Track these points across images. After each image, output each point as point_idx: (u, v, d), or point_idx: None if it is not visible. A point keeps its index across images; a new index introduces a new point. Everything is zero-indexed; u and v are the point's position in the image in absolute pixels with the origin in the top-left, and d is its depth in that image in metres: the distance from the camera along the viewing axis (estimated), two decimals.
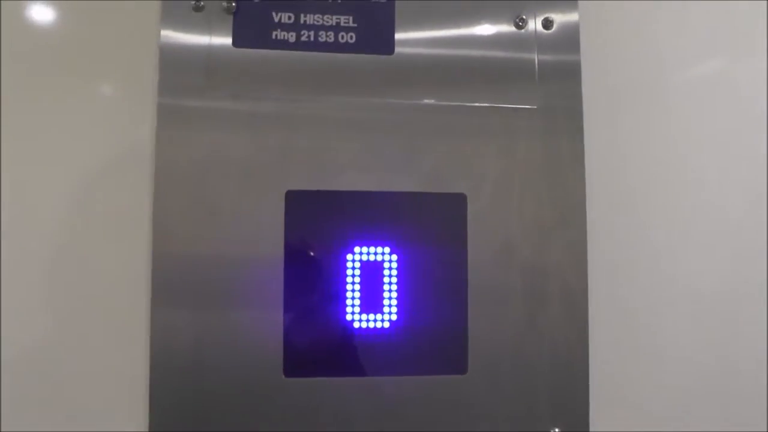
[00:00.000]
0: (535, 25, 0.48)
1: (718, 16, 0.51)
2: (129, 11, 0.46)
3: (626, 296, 0.48)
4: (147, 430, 0.42)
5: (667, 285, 0.49)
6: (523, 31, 0.48)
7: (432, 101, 0.47)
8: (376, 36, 0.47)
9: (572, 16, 0.49)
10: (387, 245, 0.45)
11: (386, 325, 0.44)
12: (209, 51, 0.45)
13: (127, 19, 0.46)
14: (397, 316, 0.44)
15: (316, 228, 0.45)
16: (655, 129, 0.50)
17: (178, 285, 0.43)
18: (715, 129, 0.51)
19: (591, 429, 0.46)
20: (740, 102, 0.51)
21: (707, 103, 0.51)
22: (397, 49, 0.47)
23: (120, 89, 0.46)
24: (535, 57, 0.48)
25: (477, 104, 0.47)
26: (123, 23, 0.46)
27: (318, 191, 0.45)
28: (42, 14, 0.46)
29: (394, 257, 0.45)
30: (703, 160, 0.50)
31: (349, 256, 0.45)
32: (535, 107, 0.47)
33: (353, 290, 0.44)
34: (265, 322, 0.43)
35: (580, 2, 0.49)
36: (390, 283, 0.45)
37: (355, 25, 0.47)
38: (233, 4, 0.46)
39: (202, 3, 0.46)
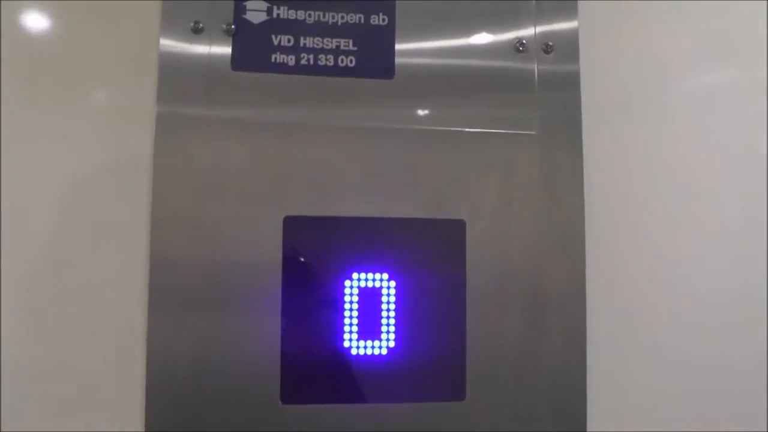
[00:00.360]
0: (535, 49, 0.48)
1: (720, 23, 0.52)
2: (128, 31, 0.46)
3: (627, 322, 0.48)
4: None
5: (669, 307, 0.49)
6: (523, 55, 0.48)
7: (432, 126, 0.47)
8: (376, 60, 0.47)
9: (572, 40, 0.49)
10: (385, 272, 0.45)
11: (384, 351, 0.44)
12: (208, 73, 0.45)
13: (126, 39, 0.46)
14: (396, 343, 0.44)
15: (315, 254, 0.45)
16: (655, 145, 0.50)
17: (175, 307, 0.43)
18: (716, 140, 0.51)
19: None
20: (742, 109, 0.51)
21: (708, 118, 0.51)
22: (397, 74, 0.47)
23: (119, 108, 0.45)
24: (535, 82, 0.48)
25: (477, 130, 0.47)
26: (122, 41, 0.46)
27: (316, 217, 0.45)
28: (41, 22, 0.45)
29: (393, 284, 0.45)
30: (706, 174, 0.50)
31: (348, 283, 0.44)
32: (534, 133, 0.47)
33: (351, 317, 0.44)
34: (262, 348, 0.43)
35: (580, 27, 0.49)
36: (388, 310, 0.45)
37: (355, 48, 0.47)
38: (232, 26, 0.46)
39: (201, 25, 0.45)
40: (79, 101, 0.45)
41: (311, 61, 0.46)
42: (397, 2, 0.48)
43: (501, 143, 0.47)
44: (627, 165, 0.50)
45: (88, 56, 0.45)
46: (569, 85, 0.49)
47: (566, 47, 0.49)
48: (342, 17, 0.47)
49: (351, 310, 0.44)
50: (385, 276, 0.45)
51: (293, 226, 0.44)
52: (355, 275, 0.45)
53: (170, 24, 0.45)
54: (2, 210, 0.43)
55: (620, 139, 0.50)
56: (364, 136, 0.46)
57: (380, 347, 0.44)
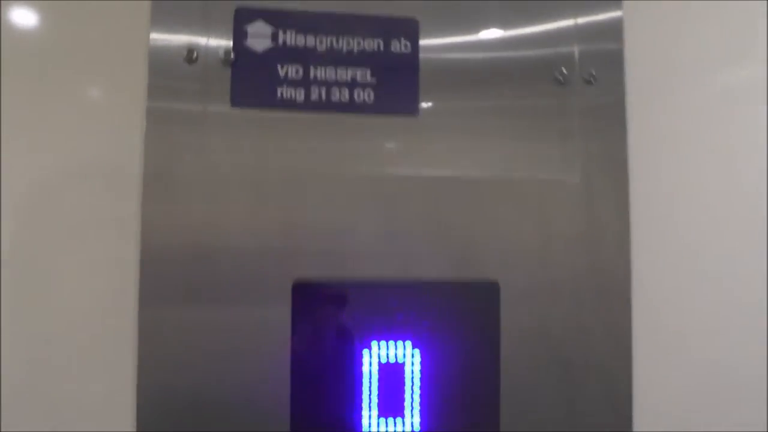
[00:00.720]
0: (576, 79, 0.42)
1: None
2: (112, 58, 0.40)
3: (676, 391, 0.43)
4: None
5: (722, 370, 0.44)
6: (563, 88, 0.42)
7: (461, 173, 0.41)
8: (398, 93, 0.41)
9: (617, 67, 0.43)
10: (409, 341, 0.39)
11: None
12: (204, 110, 0.39)
13: (110, 68, 0.40)
14: (422, 425, 0.39)
15: (328, 322, 0.39)
16: (708, 191, 0.45)
17: (164, 373, 0.37)
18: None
19: None
20: None
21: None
22: (423, 110, 0.41)
23: (105, 169, 0.39)
24: (576, 119, 0.42)
25: (512, 176, 0.41)
26: (105, 71, 0.40)
27: (329, 282, 0.39)
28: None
29: (418, 355, 0.39)
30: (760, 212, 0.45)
31: (366, 354, 0.39)
32: (577, 180, 0.42)
33: (370, 394, 0.39)
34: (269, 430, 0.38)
35: (626, 53, 0.43)
36: (413, 386, 0.39)
37: (374, 80, 0.41)
38: (232, 55, 0.39)
39: (195, 54, 0.39)
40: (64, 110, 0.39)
41: (323, 96, 0.40)
42: (421, 25, 0.41)
43: (539, 191, 0.41)
44: (676, 212, 0.44)
45: (70, 89, 0.39)
46: (614, 123, 0.43)
47: (611, 76, 0.43)
48: (358, 44, 0.41)
49: (370, 386, 0.39)
50: (409, 346, 0.39)
51: (303, 291, 0.38)
52: (374, 345, 0.39)
53: (160, 52, 0.39)
54: None
55: (670, 183, 0.44)
56: (384, 185, 0.40)
57: (404, 428, 0.39)
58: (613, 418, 0.41)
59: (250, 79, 0.40)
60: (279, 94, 0.40)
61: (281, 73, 0.40)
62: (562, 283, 0.41)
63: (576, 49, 0.43)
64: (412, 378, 0.39)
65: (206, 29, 0.39)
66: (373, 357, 0.39)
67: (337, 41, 0.41)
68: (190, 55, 0.39)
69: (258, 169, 0.39)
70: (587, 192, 0.42)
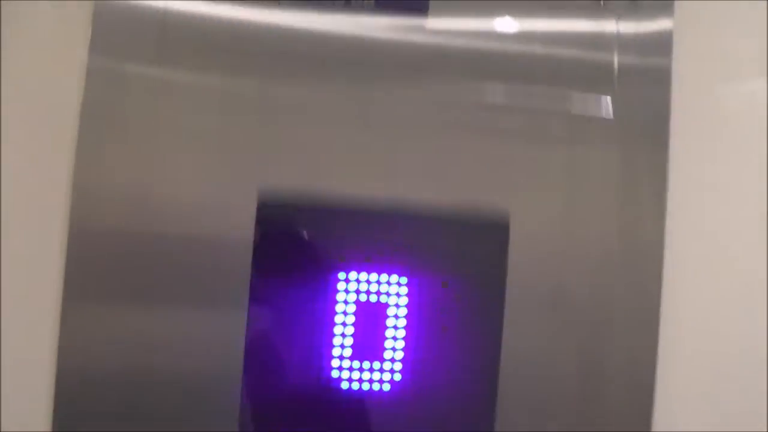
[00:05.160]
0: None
1: None
2: None
3: (704, 353, 0.37)
4: None
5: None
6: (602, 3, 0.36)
7: (472, 94, 0.34)
8: None
9: None
10: (393, 274, 0.33)
11: (386, 386, 0.32)
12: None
13: None
14: (403, 374, 0.32)
15: (297, 251, 0.33)
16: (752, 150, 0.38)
17: (97, 304, 0.31)
18: None
19: None
20: None
21: None
22: (432, 9, 0.34)
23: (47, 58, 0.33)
24: (615, 45, 0.35)
25: (533, 106, 0.34)
26: None
27: (300, 205, 0.32)
28: None
29: (403, 293, 0.33)
30: None
31: (341, 287, 0.32)
32: (611, 118, 0.35)
33: (343, 336, 0.32)
34: (216, 375, 0.31)
35: None
36: (395, 328, 0.33)
37: None
38: None
39: None
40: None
41: None
42: None
43: (566, 127, 0.35)
44: (717, 169, 0.38)
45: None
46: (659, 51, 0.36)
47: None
48: None
49: (344, 326, 0.32)
50: (394, 281, 0.33)
51: (269, 213, 0.32)
52: (352, 279, 0.32)
53: None
54: None
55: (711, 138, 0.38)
56: (379, 101, 0.33)
57: (382, 379, 0.32)
58: (634, 393, 0.34)
59: None
60: None
61: None
62: (580, 224, 0.34)
63: None
64: (395, 321, 0.33)
65: None
66: (349, 297, 0.32)
67: None
68: None
69: (224, 73, 0.32)
70: (621, 131, 0.35)
